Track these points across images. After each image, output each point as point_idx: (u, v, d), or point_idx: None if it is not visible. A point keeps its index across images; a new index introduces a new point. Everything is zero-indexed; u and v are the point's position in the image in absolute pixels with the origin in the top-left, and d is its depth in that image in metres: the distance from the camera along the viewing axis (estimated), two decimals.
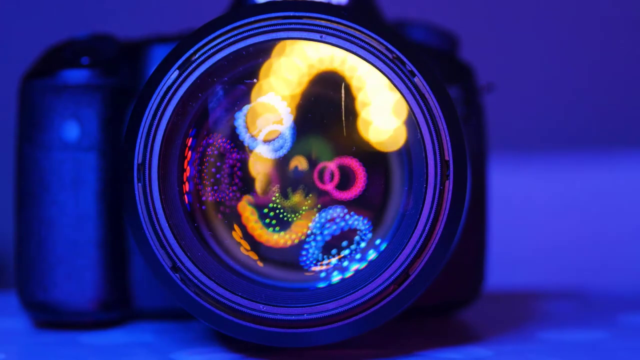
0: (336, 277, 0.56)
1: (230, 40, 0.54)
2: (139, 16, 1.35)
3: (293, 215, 0.57)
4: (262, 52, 0.55)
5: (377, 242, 0.56)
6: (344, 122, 0.56)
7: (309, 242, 0.56)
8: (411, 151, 0.55)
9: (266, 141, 0.56)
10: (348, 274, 0.55)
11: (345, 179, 0.57)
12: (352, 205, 0.57)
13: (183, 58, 0.55)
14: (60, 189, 0.63)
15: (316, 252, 0.56)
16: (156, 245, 0.54)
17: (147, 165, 0.55)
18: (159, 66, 0.55)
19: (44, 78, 0.63)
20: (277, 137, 0.56)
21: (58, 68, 0.63)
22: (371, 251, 0.56)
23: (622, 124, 1.37)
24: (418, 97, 0.54)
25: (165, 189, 0.55)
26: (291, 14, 0.54)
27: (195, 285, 0.54)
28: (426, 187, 0.54)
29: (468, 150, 0.55)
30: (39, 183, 0.63)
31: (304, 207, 0.57)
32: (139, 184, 0.55)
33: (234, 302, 0.54)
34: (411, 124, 0.55)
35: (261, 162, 0.57)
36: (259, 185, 0.57)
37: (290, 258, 0.57)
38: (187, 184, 0.56)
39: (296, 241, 0.57)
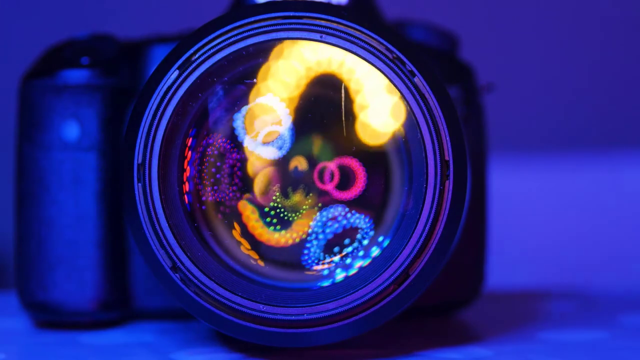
0: (340, 275, 0.56)
1: (230, 40, 0.54)
2: (139, 16, 1.35)
3: (294, 215, 0.57)
4: (262, 52, 0.56)
5: (380, 239, 0.56)
6: (343, 122, 0.56)
7: (310, 241, 0.56)
8: (411, 151, 0.55)
9: (265, 142, 0.56)
10: (352, 271, 0.55)
11: (345, 179, 0.57)
12: (353, 205, 0.57)
13: (183, 58, 0.55)
14: (60, 188, 0.63)
15: (317, 250, 0.56)
16: (156, 245, 0.54)
17: (147, 165, 0.55)
18: (159, 66, 0.55)
19: (44, 78, 0.63)
20: (276, 138, 0.56)
21: (58, 68, 0.63)
22: (374, 248, 0.56)
23: (622, 124, 1.37)
24: (418, 97, 0.54)
25: (165, 189, 0.55)
26: (291, 14, 0.54)
27: (195, 285, 0.54)
28: (426, 187, 0.54)
29: (468, 150, 0.55)
30: (39, 183, 0.63)
31: (304, 207, 0.57)
32: (139, 184, 0.55)
33: (234, 302, 0.54)
34: (409, 126, 0.55)
35: (261, 163, 0.57)
36: (258, 186, 0.57)
37: (291, 257, 0.57)
38: (187, 184, 0.56)
39: (297, 240, 0.57)
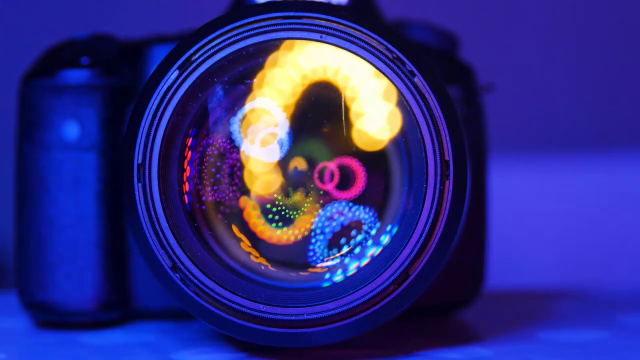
0: (353, 265, 0.56)
1: (230, 40, 0.54)
2: (139, 16, 1.35)
3: (295, 212, 0.57)
4: (262, 52, 0.56)
5: (388, 227, 0.56)
6: (343, 122, 0.56)
7: (314, 237, 0.56)
8: (411, 151, 0.55)
9: (263, 146, 0.56)
10: (365, 261, 0.55)
11: (345, 179, 0.57)
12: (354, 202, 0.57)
13: (183, 58, 0.55)
14: (60, 188, 0.63)
15: (322, 246, 0.56)
16: (156, 245, 0.54)
17: (147, 165, 0.55)
18: (159, 66, 0.55)
19: (44, 78, 0.63)
20: (274, 141, 0.56)
21: (58, 68, 0.63)
22: (383, 236, 0.56)
23: (622, 124, 1.37)
24: (418, 97, 0.54)
25: (165, 189, 0.55)
26: (291, 14, 0.54)
27: (195, 285, 0.54)
28: (426, 187, 0.54)
29: (468, 150, 0.55)
30: (38, 183, 0.63)
31: (305, 205, 0.57)
32: (139, 184, 0.55)
33: (234, 302, 0.54)
34: (409, 126, 0.55)
35: (260, 165, 0.57)
36: (258, 187, 0.57)
37: (294, 256, 0.57)
38: (187, 184, 0.56)
39: (299, 237, 0.57)
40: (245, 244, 0.57)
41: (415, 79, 0.54)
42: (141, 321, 0.66)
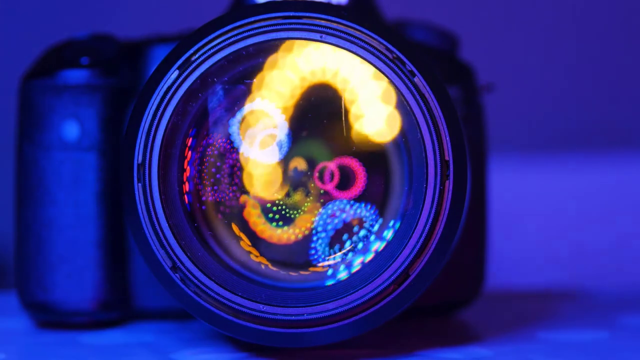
0: (357, 260, 0.56)
1: (230, 40, 0.54)
2: (139, 16, 1.35)
3: (295, 212, 0.57)
4: (262, 52, 0.56)
5: (391, 223, 0.56)
6: (343, 123, 0.56)
7: (316, 236, 0.56)
8: (411, 151, 0.55)
9: (262, 148, 0.56)
10: (369, 256, 0.55)
11: (345, 179, 0.57)
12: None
13: (183, 58, 0.55)
14: (60, 188, 0.63)
15: (323, 244, 0.56)
16: (156, 245, 0.54)
17: (147, 165, 0.55)
18: (159, 66, 0.55)
19: (44, 78, 0.63)
20: (273, 143, 0.56)
21: (58, 68, 0.63)
22: (386, 231, 0.56)
23: (622, 124, 1.37)
24: (418, 97, 0.54)
25: (165, 189, 0.55)
26: (291, 14, 0.54)
27: (195, 285, 0.54)
28: (426, 187, 0.54)
29: (468, 150, 0.55)
30: (38, 183, 0.63)
31: (305, 204, 0.57)
32: (139, 184, 0.55)
33: (234, 302, 0.54)
34: (409, 126, 0.55)
35: (259, 167, 0.57)
36: (258, 188, 0.57)
37: (295, 255, 0.57)
38: (187, 184, 0.56)
39: (300, 236, 0.57)
40: (245, 242, 0.57)
41: (415, 79, 0.54)
42: (141, 321, 0.66)
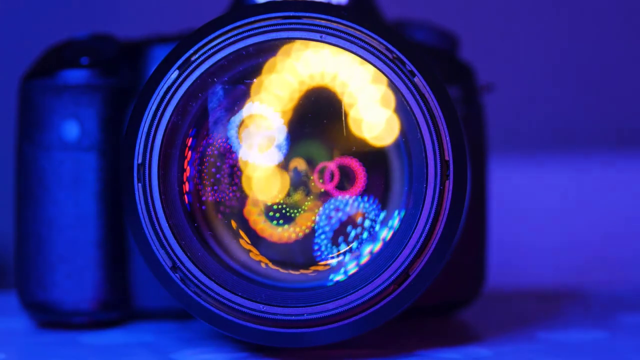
0: (366, 249, 0.56)
1: (230, 40, 0.54)
2: (139, 16, 1.35)
3: (296, 211, 0.57)
4: (262, 52, 0.56)
5: (395, 213, 0.56)
6: (343, 123, 0.56)
7: (318, 231, 0.56)
8: (411, 151, 0.55)
9: (261, 151, 0.56)
10: (378, 245, 0.55)
11: (345, 179, 0.57)
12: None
13: (183, 58, 0.55)
14: (60, 188, 0.63)
15: (326, 239, 0.56)
16: (156, 245, 0.54)
17: (147, 165, 0.55)
18: (159, 66, 0.55)
19: (44, 78, 0.63)
20: (272, 146, 0.56)
21: (58, 68, 0.63)
22: (391, 220, 0.55)
23: (622, 124, 1.37)
24: (418, 97, 0.54)
25: (165, 189, 0.55)
26: (291, 14, 0.54)
27: (195, 285, 0.54)
28: (426, 187, 0.54)
29: (468, 150, 0.55)
30: (38, 183, 0.63)
31: (306, 203, 0.57)
32: (139, 184, 0.55)
33: (234, 302, 0.54)
34: (409, 126, 0.55)
35: (259, 170, 0.57)
36: (258, 191, 0.57)
37: (297, 255, 0.57)
38: (187, 184, 0.56)
39: (300, 234, 0.57)
40: (245, 240, 0.57)
41: (415, 79, 0.54)
42: (141, 321, 0.66)
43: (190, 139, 0.56)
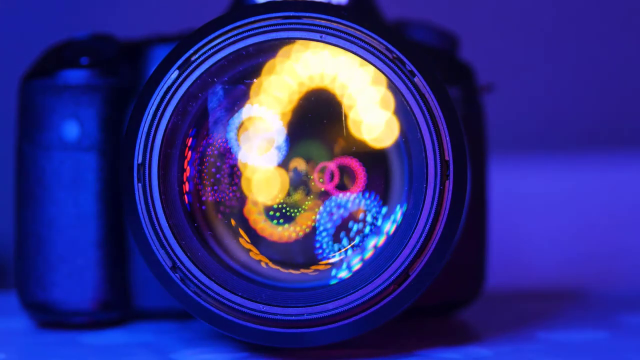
0: (371, 243, 0.56)
1: (230, 40, 0.54)
2: (139, 16, 1.35)
3: (296, 210, 0.57)
4: (262, 52, 0.56)
5: (397, 207, 0.56)
6: (343, 124, 0.56)
7: (319, 232, 0.56)
8: (411, 151, 0.55)
9: (261, 152, 0.56)
10: (382, 238, 0.55)
11: (346, 179, 0.57)
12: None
13: (183, 58, 0.55)
14: (60, 188, 0.63)
15: (327, 238, 0.56)
16: (156, 245, 0.54)
17: (147, 165, 0.55)
18: (159, 66, 0.55)
19: (44, 78, 0.63)
20: (272, 148, 0.56)
21: (58, 68, 0.63)
22: (393, 215, 0.55)
23: (622, 124, 1.37)
24: (418, 97, 0.54)
25: (165, 189, 0.55)
26: (291, 14, 0.54)
27: (195, 285, 0.54)
28: (426, 187, 0.54)
29: (468, 150, 0.55)
30: (38, 183, 0.63)
31: (306, 203, 0.57)
32: (139, 184, 0.55)
33: (234, 302, 0.54)
34: (409, 126, 0.55)
35: (258, 172, 0.57)
36: (258, 193, 0.57)
37: (298, 254, 0.57)
38: (187, 184, 0.56)
39: (301, 234, 0.57)
40: (245, 239, 0.57)
41: (415, 79, 0.54)
42: (141, 321, 0.66)
43: (190, 139, 0.56)
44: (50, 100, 0.63)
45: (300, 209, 0.57)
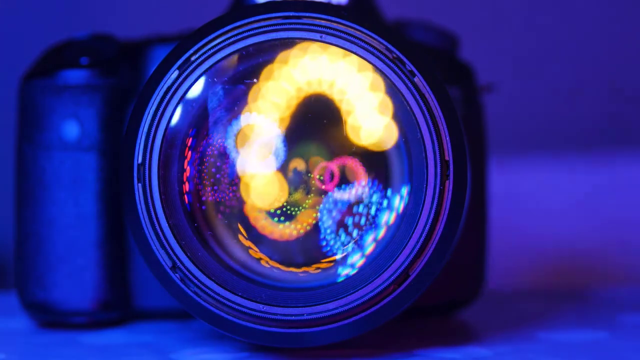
0: (369, 239, 0.56)
1: (230, 40, 0.54)
2: (139, 16, 1.35)
3: (296, 209, 0.57)
4: (263, 52, 0.56)
5: (403, 189, 0.55)
6: (343, 124, 0.56)
7: (322, 228, 0.56)
8: (411, 151, 0.55)
9: (259, 157, 0.56)
10: (382, 230, 0.55)
11: (346, 179, 0.57)
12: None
13: (183, 58, 0.55)
14: (60, 188, 0.63)
15: (332, 234, 0.56)
16: (156, 245, 0.54)
17: (147, 165, 0.55)
18: (159, 66, 0.55)
19: (44, 78, 0.63)
20: (270, 152, 0.56)
21: (58, 68, 0.63)
22: (395, 200, 0.55)
23: (622, 124, 1.37)
24: (418, 97, 0.54)
25: (165, 189, 0.55)
26: (291, 14, 0.54)
27: (195, 285, 0.54)
28: (426, 187, 0.54)
29: (468, 150, 0.55)
30: (38, 183, 0.63)
31: (307, 202, 0.57)
32: (139, 184, 0.55)
33: (234, 302, 0.54)
34: (409, 126, 0.55)
35: (258, 177, 0.57)
36: (258, 196, 0.57)
37: (299, 254, 0.57)
38: (187, 184, 0.56)
39: (302, 232, 0.57)
40: (245, 238, 0.57)
41: (415, 79, 0.54)
42: (141, 321, 0.66)
43: (190, 139, 0.56)
44: (50, 100, 0.63)
45: (300, 207, 0.57)
